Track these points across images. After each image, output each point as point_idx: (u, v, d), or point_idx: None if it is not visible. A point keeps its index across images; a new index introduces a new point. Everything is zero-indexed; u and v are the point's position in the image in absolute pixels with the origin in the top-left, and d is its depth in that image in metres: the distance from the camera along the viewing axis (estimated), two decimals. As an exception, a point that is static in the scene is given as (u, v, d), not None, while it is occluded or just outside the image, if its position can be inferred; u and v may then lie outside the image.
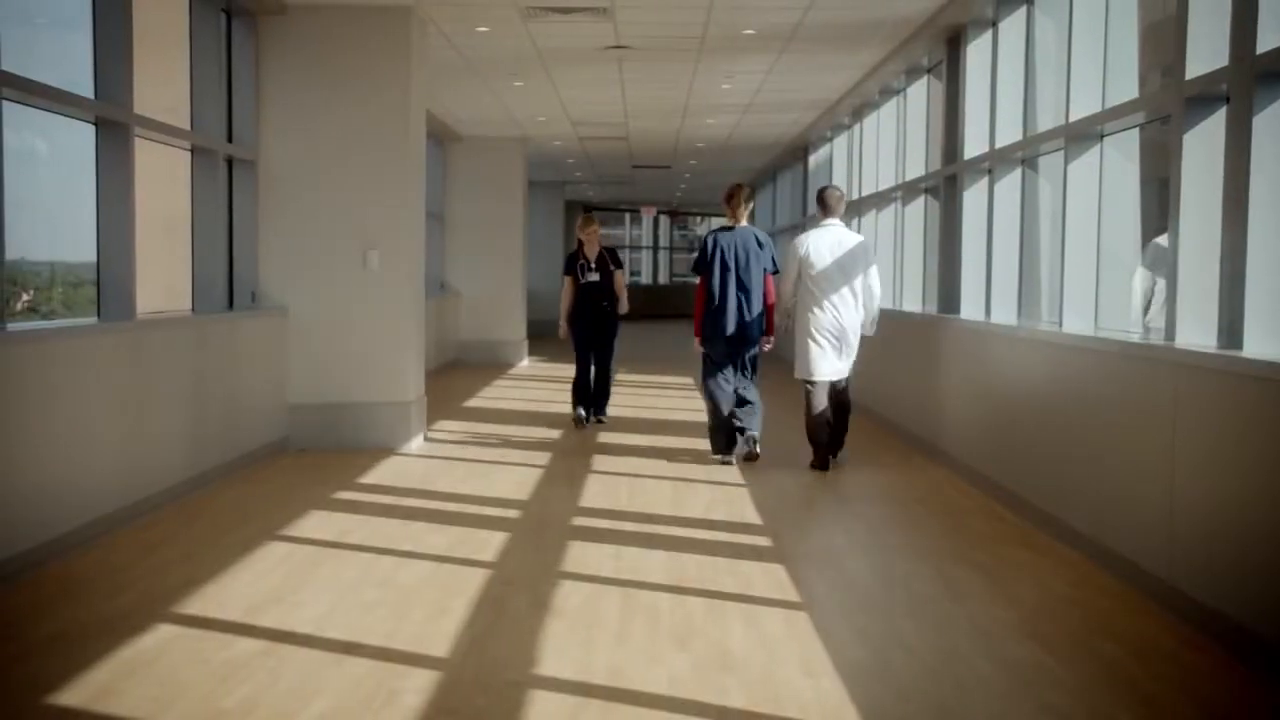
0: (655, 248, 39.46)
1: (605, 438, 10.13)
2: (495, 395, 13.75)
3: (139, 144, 7.20)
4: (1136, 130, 6.67)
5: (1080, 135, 6.96)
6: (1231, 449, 4.67)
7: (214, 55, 8.60)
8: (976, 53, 9.20)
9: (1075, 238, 7.06)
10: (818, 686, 4.15)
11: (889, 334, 10.49)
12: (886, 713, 3.99)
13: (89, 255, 7.03)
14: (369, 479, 8.14)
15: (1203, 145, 5.36)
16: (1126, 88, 6.71)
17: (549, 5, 9.22)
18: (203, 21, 8.49)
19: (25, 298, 7.53)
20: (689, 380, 15.11)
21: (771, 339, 8.75)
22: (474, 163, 18.00)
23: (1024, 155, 8.18)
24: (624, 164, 22.25)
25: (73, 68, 6.90)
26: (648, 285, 37.85)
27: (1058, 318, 7.25)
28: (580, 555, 6.03)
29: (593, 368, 10.84)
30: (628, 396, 13.39)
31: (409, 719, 3.84)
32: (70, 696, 4.00)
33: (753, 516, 7.01)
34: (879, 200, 12.81)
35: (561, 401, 11.76)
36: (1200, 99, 5.35)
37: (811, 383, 8.51)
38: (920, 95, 11.05)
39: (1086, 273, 6.98)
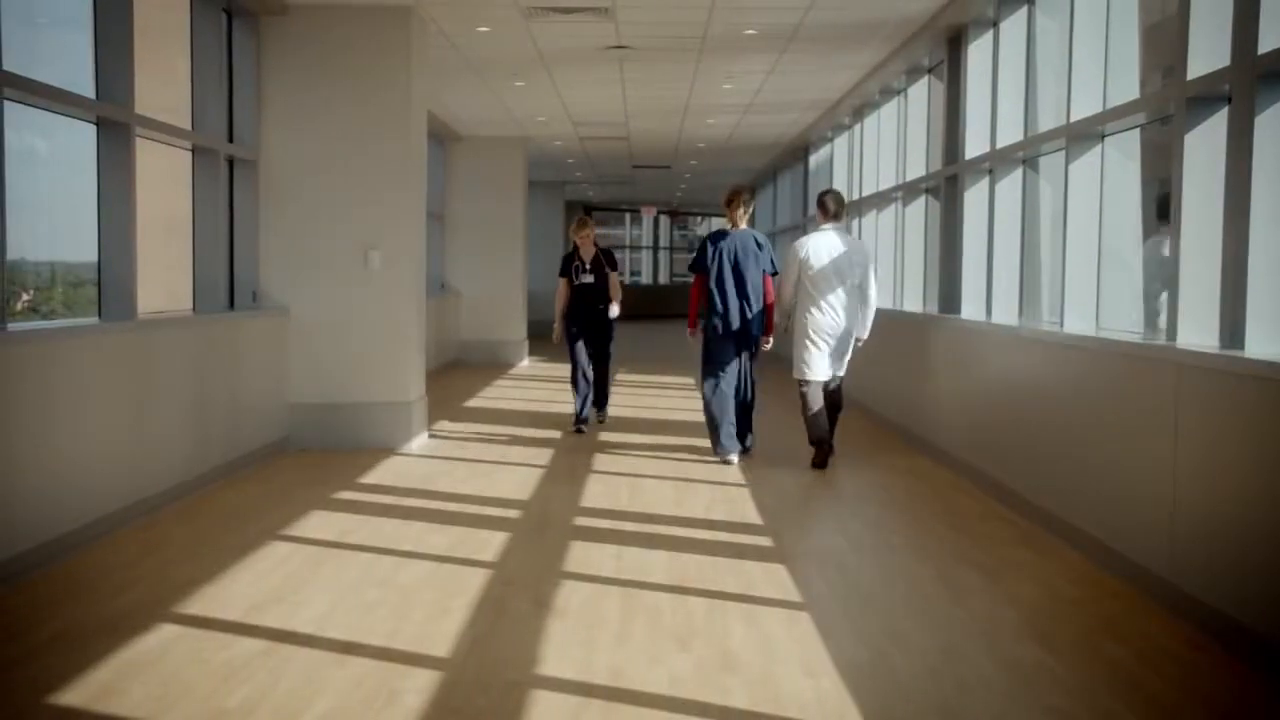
0: (655, 248, 39.45)
1: (606, 437, 10.13)
2: (496, 395, 13.75)
3: (140, 144, 7.20)
4: (1137, 130, 6.67)
5: (1081, 135, 6.96)
6: (1233, 449, 4.67)
7: (215, 55, 8.60)
8: (978, 53, 9.20)
9: (1076, 238, 7.06)
10: (819, 686, 4.15)
11: (890, 334, 10.50)
12: (888, 713, 3.98)
13: (89, 255, 7.03)
14: (370, 479, 8.14)
15: (1204, 146, 5.36)
16: (1127, 88, 6.70)
17: (550, 5, 9.22)
18: (204, 21, 8.49)
19: (25, 298, 7.52)
20: (689, 380, 15.11)
21: (770, 339, 8.92)
22: (474, 163, 18.01)
23: (1025, 155, 8.18)
24: (624, 164, 22.25)
25: (74, 67, 6.90)
26: (648, 285, 37.85)
27: (1059, 318, 7.25)
28: (581, 555, 6.03)
29: (591, 373, 10.64)
30: (628, 396, 13.40)
31: (410, 719, 3.84)
32: (72, 696, 4.00)
33: (754, 516, 7.01)
34: (880, 200, 12.81)
35: (562, 402, 11.76)
36: (1202, 99, 5.35)
37: (807, 382, 8.65)
38: (921, 95, 11.05)
39: (1087, 273, 6.98)
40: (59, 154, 7.48)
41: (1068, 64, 7.18)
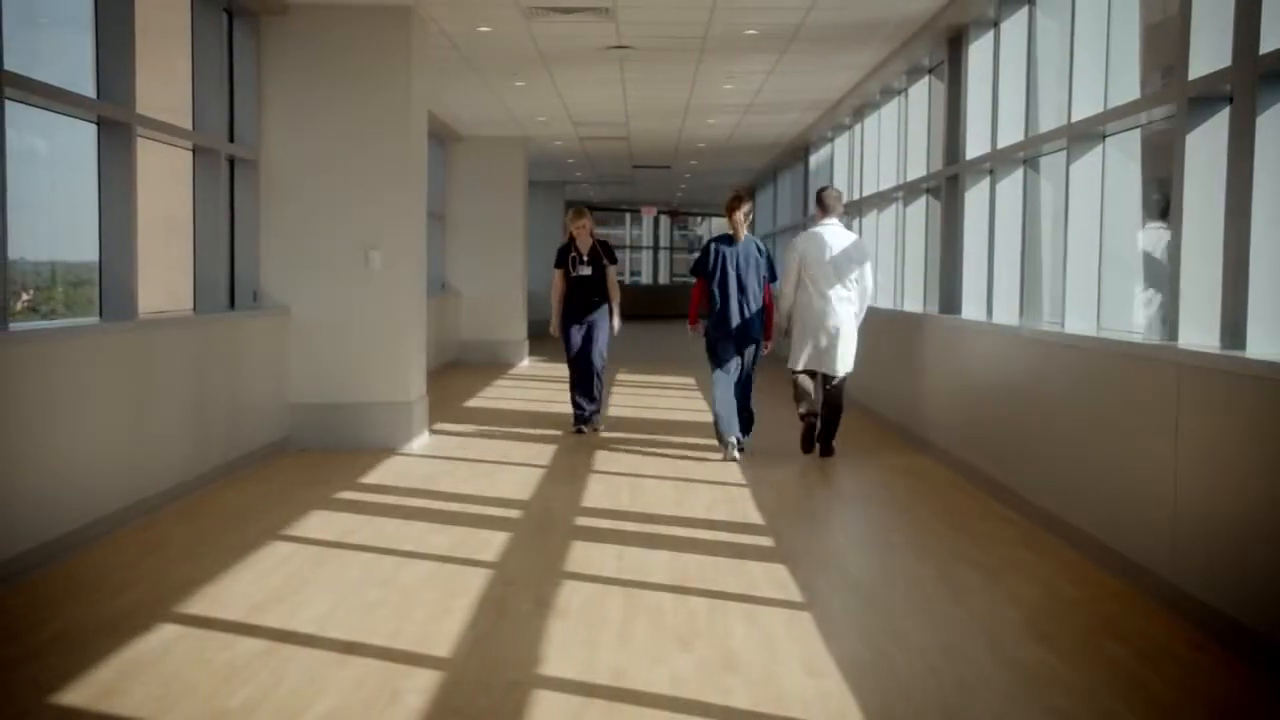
0: (655, 248, 39.46)
1: (606, 437, 10.13)
2: (496, 395, 13.75)
3: (141, 143, 7.20)
4: (1138, 130, 6.67)
5: (1082, 135, 6.96)
6: (1234, 449, 4.67)
7: (216, 55, 8.60)
8: (978, 53, 9.19)
9: (1077, 238, 7.06)
10: (821, 686, 4.15)
11: (891, 333, 10.51)
12: (890, 713, 3.99)
13: (89, 255, 7.03)
14: (371, 479, 8.14)
15: (1206, 145, 5.36)
16: (1128, 88, 6.70)
17: (550, 5, 9.22)
18: (205, 21, 8.49)
19: (25, 297, 7.51)
20: (689, 380, 15.12)
21: (770, 343, 9.23)
22: (475, 162, 18.01)
23: (1025, 155, 8.17)
24: (624, 164, 22.25)
25: (75, 67, 6.90)
26: (648, 285, 37.85)
27: (1059, 318, 7.25)
28: (582, 555, 6.03)
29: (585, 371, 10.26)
30: (628, 396, 13.40)
31: (412, 719, 3.84)
32: (74, 696, 4.00)
33: (754, 516, 7.01)
34: (880, 200, 12.81)
35: (562, 402, 11.75)
36: (1203, 99, 5.35)
37: (799, 373, 9.01)
38: (922, 95, 11.05)
39: (1088, 273, 6.98)
40: (60, 154, 7.48)
41: (1069, 64, 7.18)
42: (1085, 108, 6.96)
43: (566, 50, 11.02)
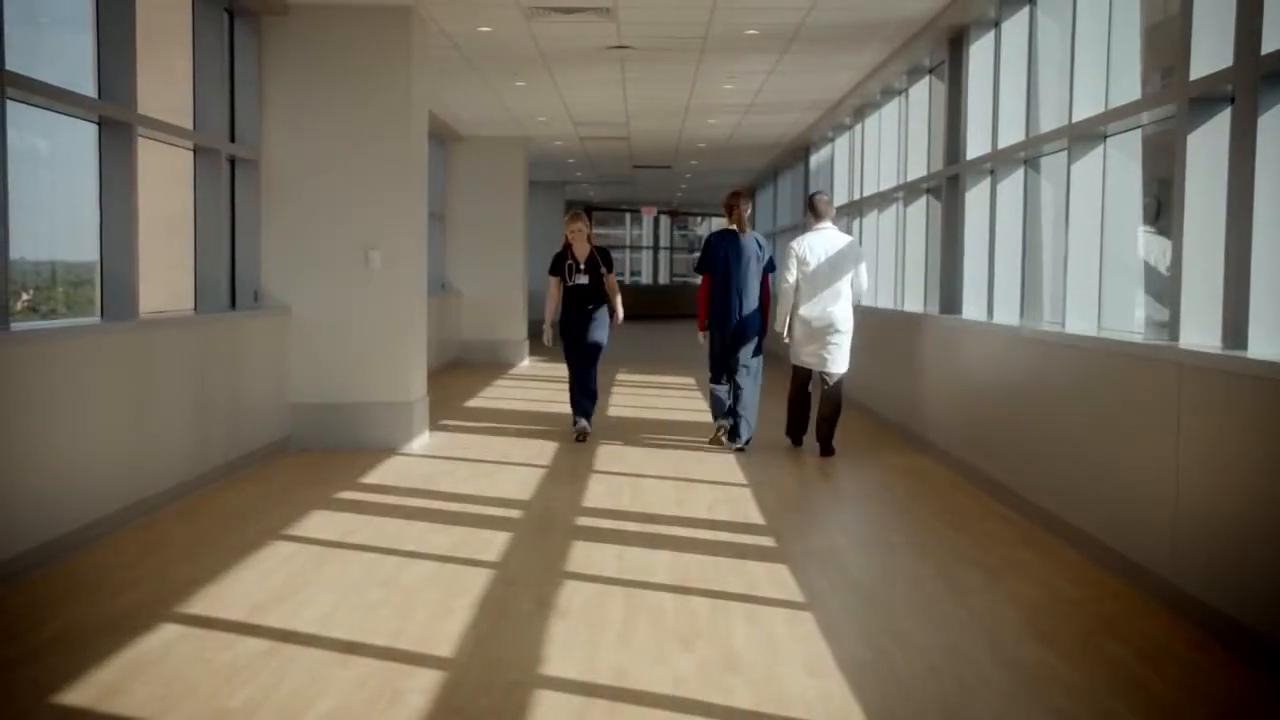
0: (655, 248, 39.46)
1: (607, 437, 10.13)
2: (497, 395, 13.75)
3: (142, 143, 7.20)
4: (1138, 131, 6.67)
5: (1083, 136, 6.96)
6: (1235, 449, 4.67)
7: (217, 55, 8.60)
8: (979, 53, 9.20)
9: (1078, 238, 7.06)
10: (822, 686, 4.15)
11: (891, 333, 10.51)
12: (891, 713, 3.99)
13: (90, 255, 7.03)
14: (371, 479, 8.14)
15: (1207, 146, 5.36)
16: (1129, 88, 6.70)
17: (551, 5, 9.22)
18: (205, 21, 8.49)
19: (25, 297, 7.52)
20: (690, 380, 15.12)
21: (766, 335, 9.59)
22: (475, 162, 18.01)
23: (1026, 156, 8.18)
24: (625, 164, 22.25)
25: (76, 67, 6.90)
26: (648, 285, 37.84)
27: (1060, 318, 7.25)
28: (584, 555, 6.03)
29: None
30: (628, 396, 13.40)
31: (414, 719, 3.84)
32: (75, 696, 4.00)
33: (755, 516, 7.02)
34: (881, 200, 12.81)
35: (562, 401, 11.74)
36: (1204, 99, 5.35)
37: (798, 369, 9.44)
38: (922, 96, 11.05)
39: (1089, 273, 6.98)
40: (60, 154, 7.48)
41: (1069, 64, 7.18)
42: (1086, 108, 6.96)
43: (567, 50, 11.02)
